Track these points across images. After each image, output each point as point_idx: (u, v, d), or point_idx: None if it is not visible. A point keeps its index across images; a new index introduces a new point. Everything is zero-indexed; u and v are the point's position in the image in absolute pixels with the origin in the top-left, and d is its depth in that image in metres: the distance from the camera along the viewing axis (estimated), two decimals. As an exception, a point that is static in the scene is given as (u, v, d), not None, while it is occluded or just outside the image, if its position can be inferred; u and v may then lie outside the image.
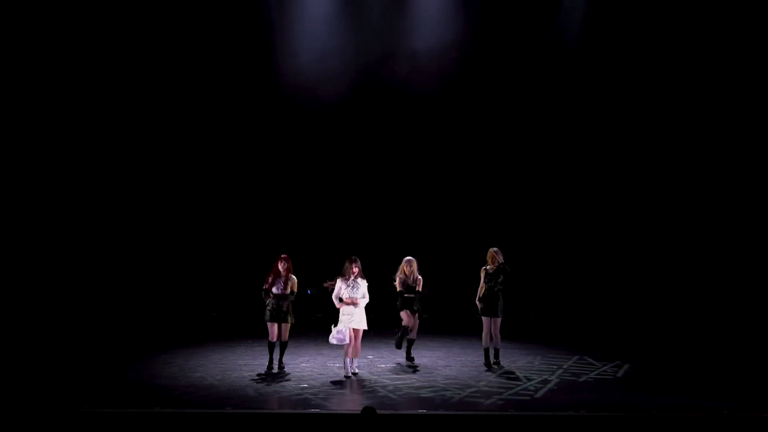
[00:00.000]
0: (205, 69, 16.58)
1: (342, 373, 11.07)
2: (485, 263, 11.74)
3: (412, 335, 11.90)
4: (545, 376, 11.05)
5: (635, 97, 16.60)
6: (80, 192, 16.51)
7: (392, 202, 16.76)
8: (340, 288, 11.02)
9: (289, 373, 11.21)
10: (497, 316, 11.59)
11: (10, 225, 16.15)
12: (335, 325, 10.95)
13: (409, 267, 11.80)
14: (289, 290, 11.30)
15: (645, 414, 9.19)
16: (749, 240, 16.13)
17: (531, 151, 16.90)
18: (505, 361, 11.89)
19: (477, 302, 11.80)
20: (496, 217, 16.57)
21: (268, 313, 11.30)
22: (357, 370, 11.20)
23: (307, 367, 11.63)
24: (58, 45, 16.21)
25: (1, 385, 10.26)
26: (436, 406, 9.53)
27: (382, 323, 12.86)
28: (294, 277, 11.34)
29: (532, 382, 10.74)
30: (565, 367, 11.66)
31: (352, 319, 10.93)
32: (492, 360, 11.73)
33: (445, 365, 11.89)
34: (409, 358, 11.94)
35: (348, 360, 11.03)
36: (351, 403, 9.73)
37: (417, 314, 11.87)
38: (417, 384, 10.67)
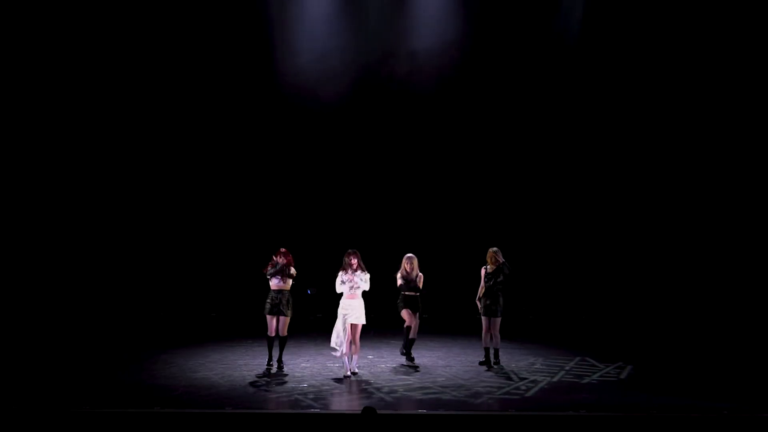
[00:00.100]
0: (206, 69, 16.57)
1: (342, 372, 11.06)
2: (485, 263, 11.75)
3: (413, 335, 11.87)
4: (547, 377, 11.03)
5: (635, 96, 16.59)
6: (80, 192, 16.50)
7: (392, 202, 16.75)
8: (341, 279, 11.05)
9: (288, 373, 11.21)
10: (496, 316, 11.59)
11: (11, 225, 16.14)
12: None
13: (409, 264, 11.77)
14: (288, 284, 11.32)
15: (645, 414, 9.19)
16: (750, 239, 16.12)
17: (531, 151, 16.88)
18: (506, 362, 11.89)
19: (477, 302, 11.81)
20: (497, 216, 16.57)
21: (267, 305, 11.33)
22: (357, 370, 11.20)
23: (307, 367, 11.63)
24: (57, 45, 16.20)
25: (1, 385, 10.25)
26: (436, 406, 9.53)
27: (382, 323, 12.88)
28: (294, 269, 11.37)
29: (525, 381, 10.75)
30: (567, 368, 11.61)
31: (350, 314, 10.94)
32: (492, 360, 11.74)
33: (445, 365, 11.89)
34: (410, 358, 11.90)
35: (346, 359, 11.02)
36: (351, 403, 9.73)
37: (418, 313, 11.83)
38: (417, 384, 10.67)
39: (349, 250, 11.16)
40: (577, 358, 12.29)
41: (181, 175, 16.74)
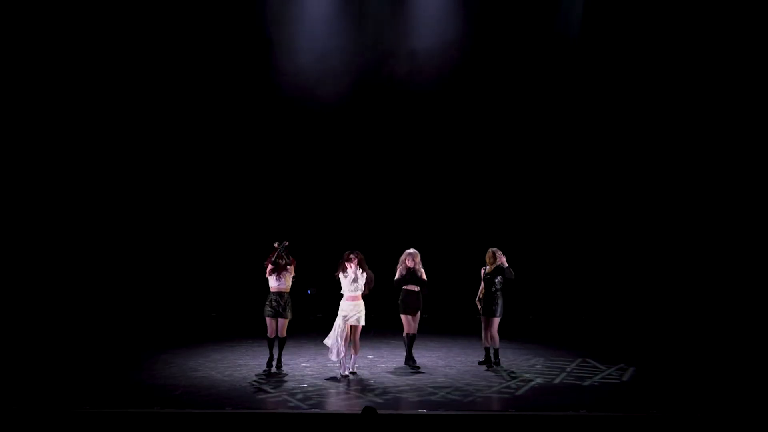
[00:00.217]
0: (205, 69, 16.57)
1: (339, 371, 11.08)
2: (485, 263, 11.75)
3: (413, 331, 11.70)
4: (547, 379, 11.01)
5: (635, 96, 16.59)
6: (80, 192, 16.50)
7: (392, 201, 16.76)
8: (344, 281, 11.05)
9: (288, 373, 11.21)
10: (495, 316, 11.57)
11: (11, 225, 16.14)
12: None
13: (412, 260, 11.62)
14: (288, 286, 11.30)
15: (645, 414, 9.20)
16: (750, 239, 16.12)
17: (531, 151, 16.89)
18: (506, 363, 11.88)
19: (477, 302, 11.82)
20: (497, 216, 16.57)
21: (267, 308, 11.31)
22: (356, 370, 11.20)
23: (307, 367, 11.63)
24: (57, 45, 16.20)
25: (1, 385, 10.25)
26: (436, 406, 9.53)
27: (382, 323, 12.88)
28: (293, 272, 11.36)
29: (520, 381, 10.74)
30: (568, 370, 11.54)
31: (350, 315, 10.94)
32: (492, 360, 11.74)
33: (445, 365, 11.89)
34: (411, 360, 11.78)
35: (344, 360, 11.01)
36: (351, 403, 9.73)
37: (419, 313, 11.74)
38: (417, 384, 10.66)
39: (348, 251, 11.16)
40: (578, 360, 12.24)
41: (180, 175, 16.74)
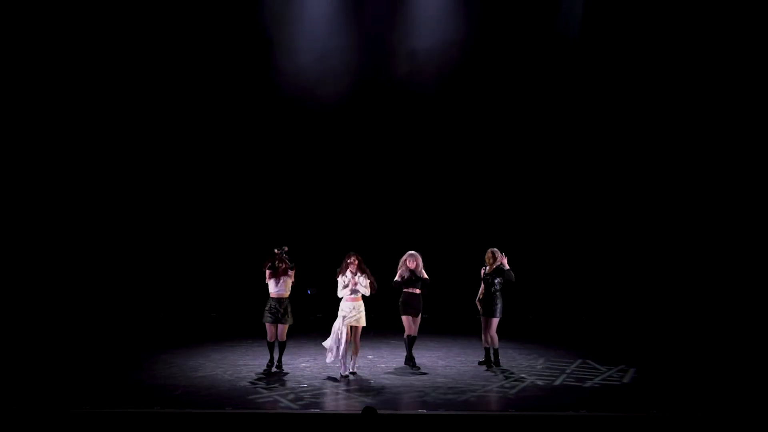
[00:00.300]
0: (205, 69, 16.57)
1: (338, 370, 11.09)
2: (484, 263, 11.75)
3: (414, 333, 11.70)
4: (547, 380, 11.02)
5: (635, 97, 16.60)
6: (81, 192, 16.50)
7: (392, 202, 16.76)
8: (342, 285, 11.07)
9: (288, 373, 11.21)
10: (493, 317, 11.55)
11: (11, 225, 16.14)
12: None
13: (414, 262, 11.60)
14: (288, 291, 11.29)
15: (645, 414, 9.20)
16: (750, 239, 16.12)
17: (532, 151, 16.89)
18: (506, 363, 11.88)
19: (477, 303, 11.81)
20: (497, 216, 16.57)
21: (266, 314, 11.29)
22: (356, 370, 11.20)
23: (307, 367, 11.63)
24: (57, 45, 16.20)
25: (1, 385, 10.26)
26: (436, 406, 9.53)
27: (381, 323, 12.88)
28: (292, 276, 11.34)
29: (521, 382, 10.74)
30: (568, 371, 11.49)
31: (349, 316, 10.94)
32: (492, 360, 11.73)
33: (445, 365, 11.89)
34: (412, 361, 11.75)
35: (344, 359, 11.02)
36: (351, 403, 9.73)
37: (419, 315, 11.72)
38: (417, 384, 10.67)
39: (350, 253, 11.16)
40: (579, 361, 12.20)
41: (180, 175, 16.74)
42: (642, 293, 16.36)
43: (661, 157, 16.60)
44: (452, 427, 9.03)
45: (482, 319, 11.69)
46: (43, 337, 14.02)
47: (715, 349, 13.33)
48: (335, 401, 9.92)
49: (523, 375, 11.23)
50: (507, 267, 11.55)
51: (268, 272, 11.24)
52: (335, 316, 11.11)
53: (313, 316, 14.99)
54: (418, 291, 11.62)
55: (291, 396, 9.95)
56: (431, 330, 14.24)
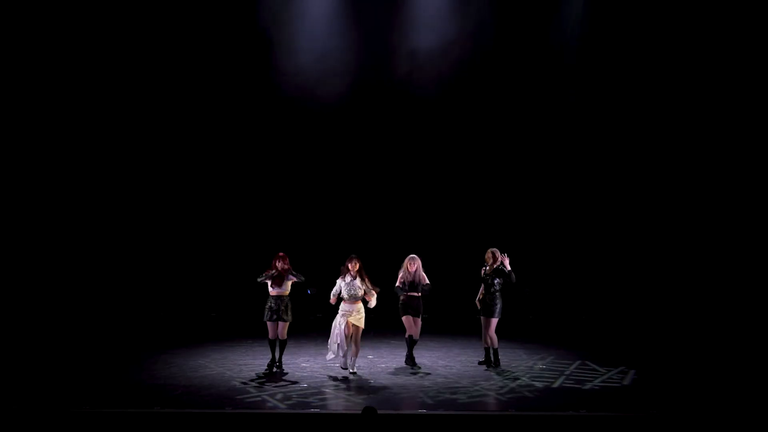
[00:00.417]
0: (205, 68, 16.56)
1: (341, 369, 11.08)
2: (485, 263, 11.75)
3: (415, 336, 11.74)
4: (546, 382, 11.01)
5: (635, 97, 16.59)
6: (80, 192, 16.50)
7: (392, 202, 16.76)
8: (340, 287, 11.07)
9: (288, 373, 11.21)
10: (492, 317, 11.54)
11: (11, 225, 16.14)
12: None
13: (412, 265, 11.63)
14: (288, 290, 11.30)
15: (645, 414, 9.20)
16: (750, 240, 16.11)
17: (532, 151, 16.88)
18: (506, 363, 11.87)
19: (477, 303, 11.81)
20: (497, 217, 16.57)
21: (267, 312, 11.31)
22: (356, 370, 11.20)
23: (307, 367, 11.63)
24: (57, 45, 16.19)
25: (1, 385, 10.26)
26: (436, 406, 9.53)
27: (381, 323, 12.88)
28: (293, 275, 11.35)
29: (512, 379, 10.75)
30: (567, 373, 11.42)
31: (348, 314, 10.97)
32: (492, 360, 11.73)
33: (445, 365, 11.89)
34: (412, 361, 11.76)
35: (347, 357, 11.02)
36: (351, 403, 9.73)
37: (420, 316, 11.71)
38: (417, 384, 10.67)
39: (352, 256, 11.18)
40: (578, 362, 12.14)
41: (180, 175, 16.74)
42: (642, 294, 16.34)
43: (660, 158, 16.58)
44: (452, 427, 9.03)
45: (482, 319, 11.69)
46: (43, 337, 14.02)
47: (714, 350, 13.32)
48: (335, 401, 9.91)
49: (518, 375, 11.22)
50: (509, 268, 11.54)
51: (269, 282, 11.29)
52: (335, 316, 11.13)
53: (313, 316, 14.99)
54: (418, 294, 11.62)
55: (291, 396, 9.94)
56: (431, 330, 14.22)
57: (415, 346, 11.83)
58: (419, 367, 11.57)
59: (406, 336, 11.70)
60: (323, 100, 16.67)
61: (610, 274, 16.49)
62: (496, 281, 11.54)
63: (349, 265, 11.10)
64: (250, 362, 11.92)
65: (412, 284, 11.57)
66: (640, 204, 16.66)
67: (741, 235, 16.16)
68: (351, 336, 11.08)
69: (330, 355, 11.09)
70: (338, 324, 11.02)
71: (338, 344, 10.95)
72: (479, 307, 11.73)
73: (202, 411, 9.23)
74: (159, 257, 16.54)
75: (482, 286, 11.68)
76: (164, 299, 16.45)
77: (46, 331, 14.57)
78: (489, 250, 11.72)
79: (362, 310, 11.11)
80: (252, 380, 10.80)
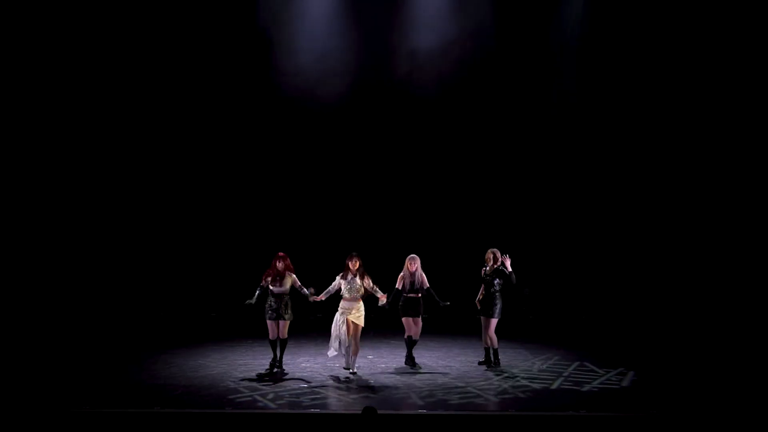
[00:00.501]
0: (205, 68, 16.56)
1: (341, 369, 11.06)
2: (485, 263, 11.75)
3: (415, 336, 11.74)
4: (544, 383, 10.99)
5: (635, 97, 16.59)
6: (80, 192, 16.49)
7: (392, 202, 16.76)
8: (339, 284, 11.09)
9: (288, 373, 11.22)
10: (492, 317, 11.54)
11: (12, 226, 16.13)
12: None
13: (412, 264, 11.63)
14: (287, 288, 11.30)
15: (645, 414, 9.20)
16: (749, 240, 16.11)
17: (532, 151, 16.89)
18: (506, 363, 11.86)
19: (477, 303, 11.81)
20: (497, 217, 16.57)
21: (267, 311, 11.32)
22: (356, 370, 11.20)
23: (307, 367, 11.63)
24: (57, 45, 16.18)
25: (1, 385, 10.26)
26: (435, 406, 9.53)
27: (381, 323, 12.88)
28: (293, 275, 11.34)
29: (512, 379, 10.74)
30: (565, 374, 11.36)
31: (349, 313, 10.98)
32: (492, 360, 11.73)
33: (445, 365, 11.89)
34: (412, 362, 11.72)
35: (347, 355, 11.02)
36: (351, 403, 9.73)
37: (420, 317, 11.70)
38: (417, 384, 10.67)
39: (352, 253, 11.20)
40: (576, 363, 12.08)
41: (180, 175, 16.74)
42: (641, 294, 16.34)
43: (660, 159, 16.58)
44: (452, 427, 9.03)
45: (482, 319, 11.69)
46: (43, 337, 14.01)
47: (714, 350, 13.30)
48: (335, 401, 9.91)
49: (522, 375, 11.21)
50: (510, 269, 11.53)
51: (268, 280, 11.29)
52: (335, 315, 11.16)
53: (313, 316, 14.99)
54: (418, 295, 11.60)
55: (291, 396, 9.94)
56: (431, 330, 14.19)
57: (415, 346, 11.81)
58: (420, 367, 11.57)
59: (405, 336, 11.70)
60: (323, 100, 16.68)
61: (610, 274, 16.49)
62: (496, 281, 11.54)
63: (350, 263, 11.11)
64: (250, 362, 11.92)
65: (412, 285, 11.55)
66: (639, 204, 16.65)
67: (740, 235, 16.15)
68: (350, 334, 11.07)
69: (332, 352, 11.10)
70: (337, 321, 11.03)
71: (339, 341, 10.95)
72: (479, 308, 11.73)
73: (202, 411, 9.24)
74: (159, 257, 16.53)
75: (482, 286, 11.68)
76: (164, 299, 16.45)
77: (46, 331, 14.56)
78: (489, 251, 11.72)
79: (362, 308, 11.12)
80: (252, 380, 10.79)
